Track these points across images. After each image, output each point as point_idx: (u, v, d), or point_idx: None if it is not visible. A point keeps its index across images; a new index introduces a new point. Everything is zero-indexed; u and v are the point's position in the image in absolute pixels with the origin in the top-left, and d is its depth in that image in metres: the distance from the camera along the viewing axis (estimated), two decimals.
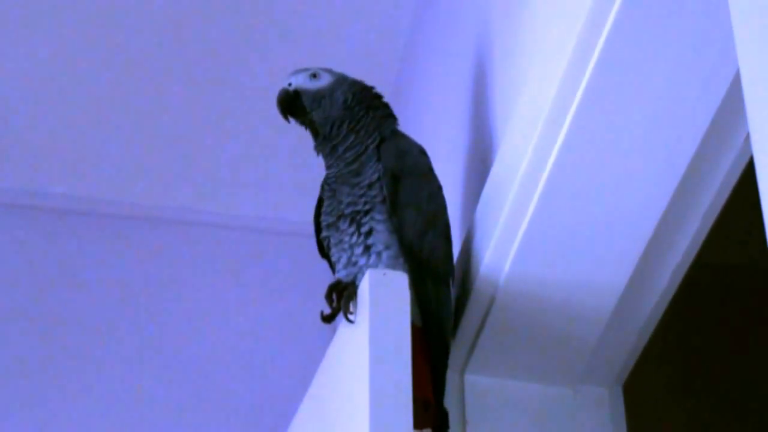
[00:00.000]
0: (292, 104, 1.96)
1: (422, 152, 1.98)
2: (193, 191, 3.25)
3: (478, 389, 2.05)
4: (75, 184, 3.22)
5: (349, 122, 1.94)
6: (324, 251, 1.97)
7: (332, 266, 1.95)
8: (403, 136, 1.99)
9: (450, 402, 1.97)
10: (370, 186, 1.90)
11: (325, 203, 1.95)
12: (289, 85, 1.97)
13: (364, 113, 1.96)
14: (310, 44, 2.94)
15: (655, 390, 3.10)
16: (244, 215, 3.29)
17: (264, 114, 3.03)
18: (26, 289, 3.11)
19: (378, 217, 1.89)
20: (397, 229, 1.88)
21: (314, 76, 1.97)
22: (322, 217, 1.95)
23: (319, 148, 1.97)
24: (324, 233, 1.94)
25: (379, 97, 2.01)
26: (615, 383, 2.10)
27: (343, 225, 1.90)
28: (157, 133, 3.13)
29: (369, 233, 1.88)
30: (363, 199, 1.90)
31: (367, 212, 1.89)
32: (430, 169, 1.97)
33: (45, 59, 2.97)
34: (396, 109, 2.04)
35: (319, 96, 1.95)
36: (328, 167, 1.96)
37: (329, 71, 1.99)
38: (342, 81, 1.98)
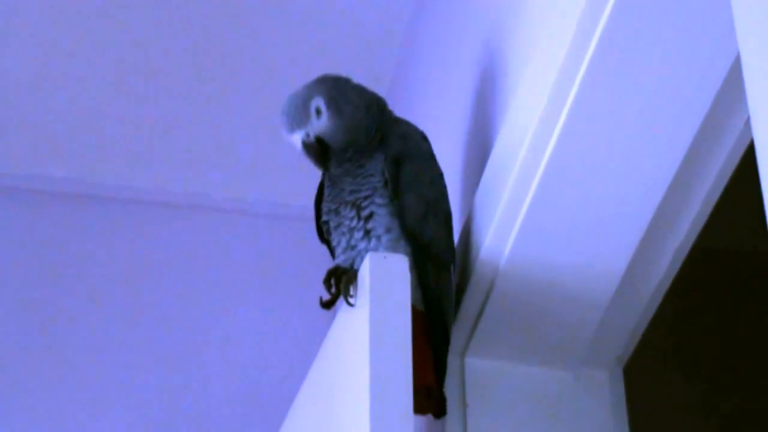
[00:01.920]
0: (325, 152, 1.86)
1: (424, 138, 1.97)
2: (194, 176, 3.25)
3: (478, 372, 2.05)
4: (76, 168, 3.21)
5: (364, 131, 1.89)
6: (323, 236, 1.96)
7: (332, 251, 1.95)
8: (404, 122, 1.97)
9: (450, 385, 1.97)
10: (373, 174, 1.89)
11: (327, 191, 1.93)
12: (308, 136, 1.86)
13: (372, 118, 1.90)
14: (311, 31, 2.93)
15: (655, 373, 3.10)
16: (243, 199, 3.29)
17: (263, 99, 3.03)
18: (27, 274, 3.11)
19: (378, 200, 1.87)
20: (398, 213, 1.87)
21: (318, 112, 1.85)
22: (323, 204, 1.94)
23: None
24: (324, 218, 1.93)
25: (364, 88, 1.94)
26: (615, 366, 2.11)
27: (344, 210, 1.89)
28: (158, 118, 3.13)
29: (369, 217, 1.87)
30: (365, 186, 1.89)
31: (367, 197, 1.88)
32: (432, 155, 1.96)
33: (47, 43, 2.96)
34: (396, 93, 2.03)
35: (345, 128, 1.85)
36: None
37: (316, 92, 1.86)
38: (329, 87, 1.88)
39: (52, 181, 3.22)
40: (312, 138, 1.85)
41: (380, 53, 2.95)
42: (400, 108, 2.03)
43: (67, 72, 3.02)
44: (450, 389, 1.95)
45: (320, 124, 1.85)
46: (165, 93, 3.08)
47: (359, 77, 1.99)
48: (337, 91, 1.88)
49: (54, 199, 3.21)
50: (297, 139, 1.86)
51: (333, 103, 1.86)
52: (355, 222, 1.87)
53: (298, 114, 1.85)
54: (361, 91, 1.92)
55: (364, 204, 1.87)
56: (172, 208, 3.26)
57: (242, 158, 3.22)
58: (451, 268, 1.95)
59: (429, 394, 1.88)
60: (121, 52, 2.99)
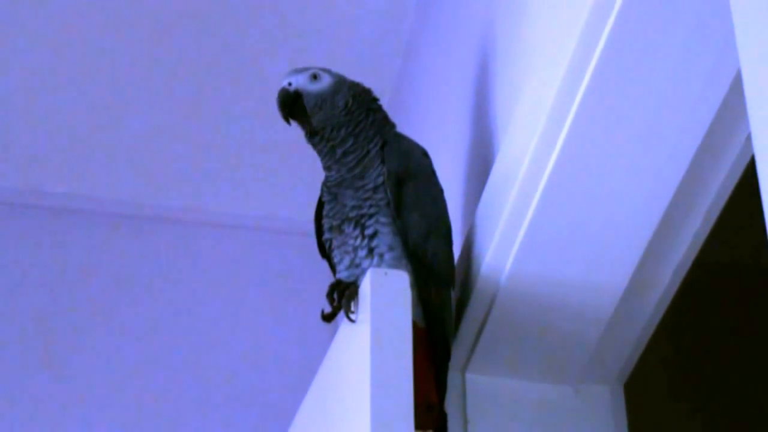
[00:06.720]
0: (293, 105, 1.93)
1: (425, 154, 1.97)
2: (194, 190, 3.25)
3: (479, 388, 2.05)
4: (75, 183, 3.22)
5: (347, 126, 1.92)
6: (325, 252, 1.96)
7: (333, 267, 1.94)
8: (405, 138, 1.98)
9: (451, 401, 1.97)
10: (375, 189, 1.89)
11: (327, 206, 1.94)
12: (289, 84, 1.93)
13: (364, 117, 1.94)
14: (312, 42, 2.94)
15: (656, 389, 3.10)
16: (244, 214, 3.30)
17: (263, 112, 3.03)
18: (27, 288, 3.12)
19: (383, 219, 1.88)
20: (402, 232, 1.87)
21: (315, 77, 1.93)
22: (324, 220, 1.94)
23: (314, 145, 1.95)
24: (326, 235, 1.93)
25: (376, 99, 2.00)
26: (616, 382, 2.10)
27: (348, 228, 1.89)
28: (157, 132, 3.13)
29: (373, 236, 1.88)
30: (368, 203, 1.89)
31: (371, 215, 1.88)
32: (433, 172, 1.97)
33: (45, 57, 2.97)
34: (397, 108, 2.04)
35: (320, 99, 1.91)
36: (326, 169, 1.94)
37: (328, 72, 1.95)
38: (342, 83, 1.95)
39: (51, 196, 3.22)
40: (292, 89, 1.92)
41: (381, 68, 2.95)
42: (401, 122, 2.03)
43: (66, 87, 3.02)
44: (451, 405, 1.95)
45: (307, 83, 1.93)
46: (163, 107, 3.08)
47: None
48: (345, 82, 1.96)
49: (53, 214, 3.21)
50: (284, 83, 1.94)
51: (334, 82, 1.94)
52: (359, 241, 1.88)
53: (300, 70, 1.95)
54: (362, 95, 1.97)
55: (368, 223, 1.88)
56: (173, 223, 3.26)
57: (242, 172, 3.22)
58: (451, 285, 1.95)
59: (430, 410, 1.88)
60: (120, 65, 2.99)
